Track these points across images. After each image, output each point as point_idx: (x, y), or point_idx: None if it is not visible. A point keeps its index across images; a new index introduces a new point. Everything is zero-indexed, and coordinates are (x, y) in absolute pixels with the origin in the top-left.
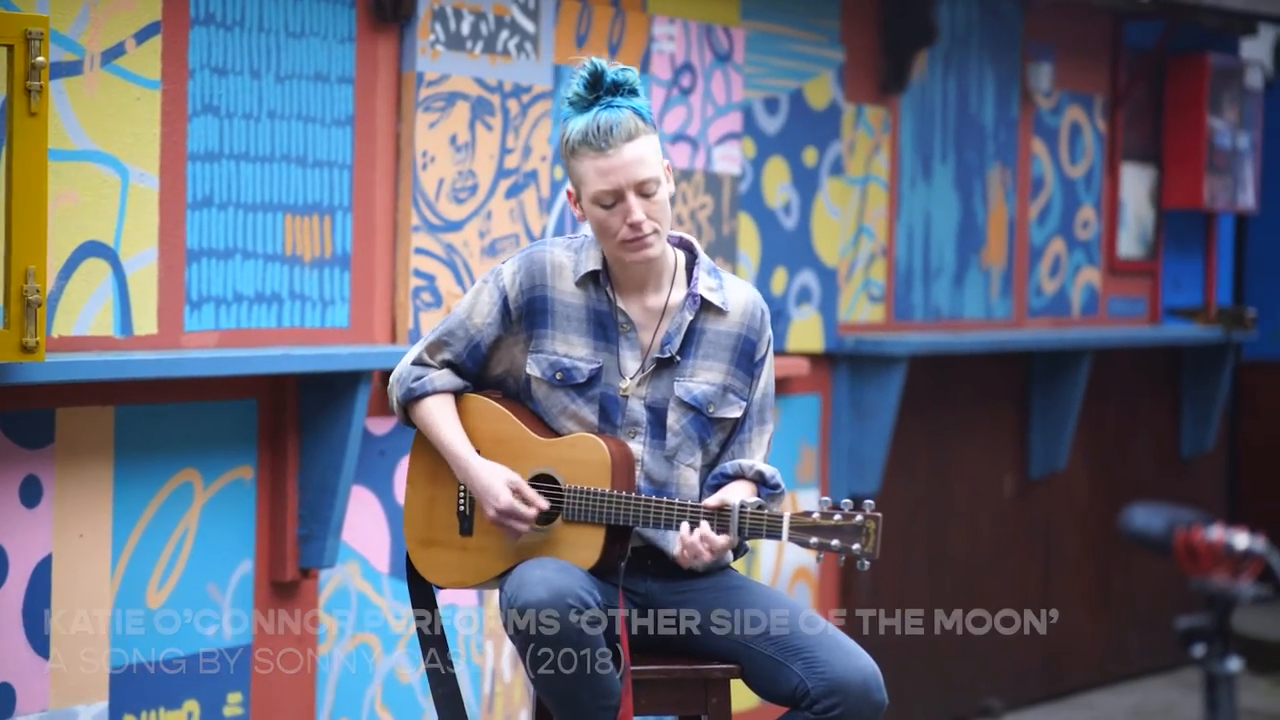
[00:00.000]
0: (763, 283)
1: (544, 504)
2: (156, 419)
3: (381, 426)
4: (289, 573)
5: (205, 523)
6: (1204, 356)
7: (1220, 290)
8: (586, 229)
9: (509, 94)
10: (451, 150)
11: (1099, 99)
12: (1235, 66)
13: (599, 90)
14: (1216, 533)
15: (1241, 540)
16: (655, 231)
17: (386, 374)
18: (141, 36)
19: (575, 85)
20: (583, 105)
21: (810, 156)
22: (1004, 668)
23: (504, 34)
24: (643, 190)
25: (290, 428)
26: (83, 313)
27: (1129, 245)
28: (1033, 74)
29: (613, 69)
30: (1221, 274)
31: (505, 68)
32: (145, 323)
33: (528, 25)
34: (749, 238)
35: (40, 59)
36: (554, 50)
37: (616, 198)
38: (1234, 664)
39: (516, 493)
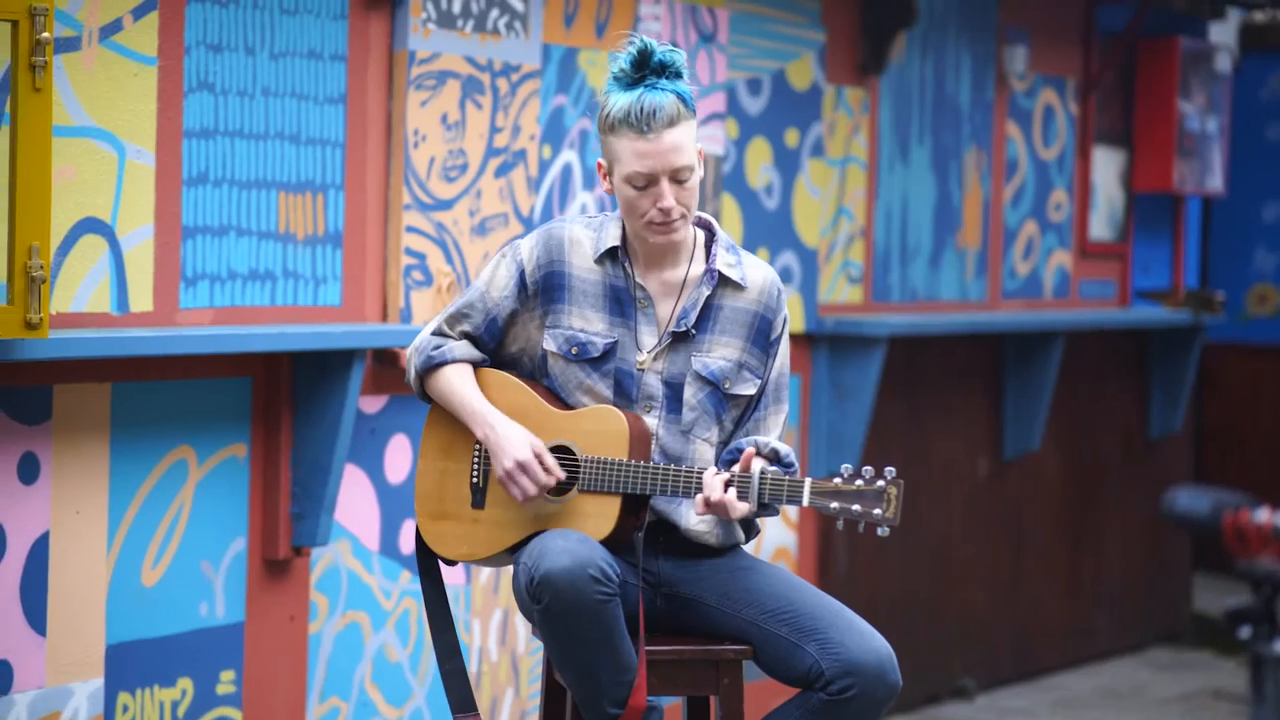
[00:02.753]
0: None
1: (561, 474)
2: (152, 396)
3: (374, 405)
4: (281, 551)
5: (199, 500)
6: (1172, 339)
7: (1187, 273)
8: (607, 209)
9: (499, 73)
10: (442, 129)
11: (1071, 82)
12: (1204, 50)
13: (645, 69)
14: (1264, 515)
15: None
16: (683, 216)
17: (379, 352)
18: (139, 12)
19: (622, 62)
20: (627, 82)
21: (792, 137)
22: (977, 648)
23: (494, 12)
24: (676, 177)
25: (284, 406)
26: (80, 289)
27: (1099, 228)
28: (1008, 57)
29: (661, 49)
30: (1189, 257)
31: (495, 46)
32: (141, 300)
33: (517, 4)
34: (731, 218)
35: (45, 35)
36: (543, 29)
37: (650, 181)
38: None
39: (537, 456)
